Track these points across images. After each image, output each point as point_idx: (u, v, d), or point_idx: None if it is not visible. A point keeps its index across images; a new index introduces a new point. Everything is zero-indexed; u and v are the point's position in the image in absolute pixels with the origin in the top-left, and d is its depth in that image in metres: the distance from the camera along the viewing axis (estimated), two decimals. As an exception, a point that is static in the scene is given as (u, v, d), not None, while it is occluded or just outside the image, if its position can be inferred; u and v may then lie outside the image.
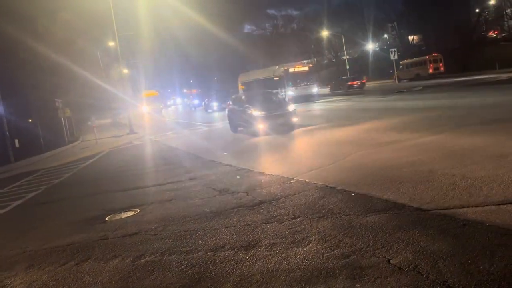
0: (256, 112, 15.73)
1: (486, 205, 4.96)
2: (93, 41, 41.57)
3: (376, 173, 7.38)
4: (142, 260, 5.03)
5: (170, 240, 5.60)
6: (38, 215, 9.14)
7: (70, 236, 6.68)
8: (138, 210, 7.62)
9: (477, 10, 53.85)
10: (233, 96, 21.38)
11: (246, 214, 6.21)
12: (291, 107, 16.28)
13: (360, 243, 4.44)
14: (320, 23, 64.71)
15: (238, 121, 17.65)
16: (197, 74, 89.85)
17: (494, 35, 55.36)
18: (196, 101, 60.10)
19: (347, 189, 6.63)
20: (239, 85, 43.13)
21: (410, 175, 6.82)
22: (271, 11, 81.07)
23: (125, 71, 42.83)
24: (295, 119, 16.06)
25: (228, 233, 5.47)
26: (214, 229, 5.75)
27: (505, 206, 4.85)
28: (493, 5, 52.99)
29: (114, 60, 36.41)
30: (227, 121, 19.59)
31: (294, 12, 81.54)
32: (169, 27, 48.55)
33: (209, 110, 43.97)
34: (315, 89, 37.63)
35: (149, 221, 6.80)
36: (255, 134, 16.10)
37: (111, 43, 34.65)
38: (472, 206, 5.00)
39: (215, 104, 42.84)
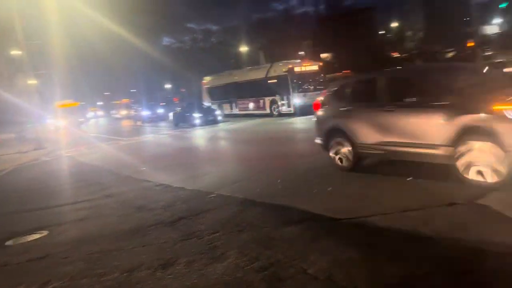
0: None
1: (392, 213, 5.35)
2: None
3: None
4: (49, 287, 4.65)
5: (82, 263, 5.25)
6: None
7: (-35, 265, 5.97)
8: (47, 232, 7.04)
9: (383, 32, 58.70)
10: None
11: (165, 231, 6.05)
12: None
13: (278, 254, 4.54)
14: (239, 38, 65.93)
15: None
16: (120, 84, 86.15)
17: (397, 55, 60.69)
18: (145, 112, 46.16)
19: (266, 201, 6.77)
20: (204, 89, 36.88)
21: (324, 187, 7.15)
22: (190, 25, 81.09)
23: (33, 81, 39.77)
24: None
25: (145, 252, 5.27)
26: (131, 248, 5.52)
27: (408, 213, 5.28)
28: (396, 28, 58.08)
29: (19, 70, 33.64)
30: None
31: (214, 27, 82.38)
32: (87, 37, 46.14)
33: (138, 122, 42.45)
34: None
35: (58, 243, 6.33)
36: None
37: (14, 52, 32.03)
38: (380, 214, 5.36)
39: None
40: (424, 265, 3.82)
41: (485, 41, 40.19)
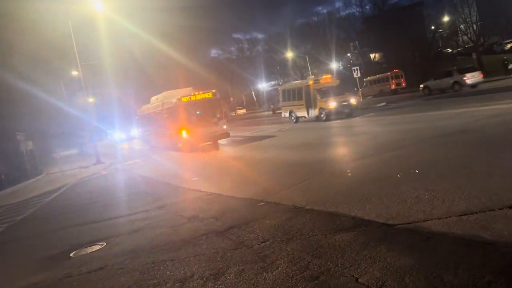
0: None
1: (449, 217, 5.08)
2: (57, 69, 40.64)
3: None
4: (108, 297, 4.84)
5: (137, 273, 5.42)
6: (-1, 255, 8.70)
7: (33, 276, 6.37)
8: (105, 244, 7.37)
9: (433, 27, 56.38)
10: None
11: (215, 240, 6.12)
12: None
13: (328, 263, 4.44)
14: (284, 45, 66.07)
15: None
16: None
17: (450, 50, 58.03)
18: None
19: (315, 208, 6.66)
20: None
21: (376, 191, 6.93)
22: (236, 36, 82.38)
23: (91, 99, 42.08)
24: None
25: (197, 262, 5.36)
26: (183, 258, 5.62)
27: (466, 216, 4.98)
28: (447, 22, 55.63)
29: (78, 89, 35.69)
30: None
31: (259, 36, 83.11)
32: (134, 56, 48.08)
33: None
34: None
35: (116, 254, 6.59)
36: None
37: (75, 72, 34.08)
38: (435, 219, 5.10)
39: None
40: (485, 273, 3.58)
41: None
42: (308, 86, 26.17)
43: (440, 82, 30.74)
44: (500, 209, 4.99)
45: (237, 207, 8.03)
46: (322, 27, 71.10)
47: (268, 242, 5.51)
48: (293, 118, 28.23)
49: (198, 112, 21.58)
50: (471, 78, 28.95)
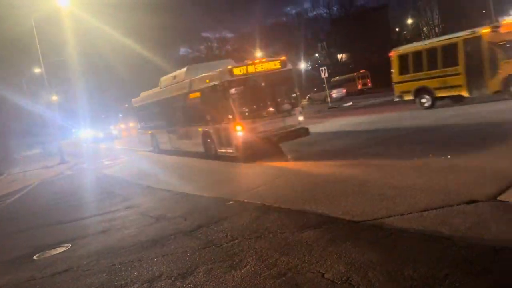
0: None
1: (410, 213, 5.28)
2: (19, 66, 39.14)
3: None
4: (73, 299, 4.76)
5: (104, 274, 5.35)
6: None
7: (-6, 280, 6.16)
8: (70, 245, 7.20)
9: (397, 29, 58.01)
10: None
11: (184, 240, 6.11)
12: None
13: (296, 260, 4.54)
14: (253, 44, 66.18)
15: None
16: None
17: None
18: None
19: (283, 207, 6.77)
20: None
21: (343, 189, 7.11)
22: (206, 34, 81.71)
23: (54, 97, 40.81)
24: None
25: (165, 262, 5.34)
26: (151, 258, 5.59)
27: (426, 212, 5.20)
28: (411, 24, 57.34)
29: (41, 87, 34.50)
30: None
31: (229, 35, 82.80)
32: (103, 54, 46.89)
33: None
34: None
35: (81, 256, 6.46)
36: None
37: (37, 70, 32.96)
38: (397, 215, 5.30)
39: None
40: (443, 267, 3.76)
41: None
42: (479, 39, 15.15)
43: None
44: (458, 204, 5.24)
45: (206, 206, 8.04)
46: (291, 27, 71.73)
47: (236, 241, 5.55)
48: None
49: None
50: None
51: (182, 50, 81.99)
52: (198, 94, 14.22)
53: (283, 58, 13.53)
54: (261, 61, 13.06)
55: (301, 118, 13.28)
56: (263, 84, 12.87)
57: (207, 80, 13.22)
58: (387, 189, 6.55)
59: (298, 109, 13.41)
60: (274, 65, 13.13)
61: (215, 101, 12.96)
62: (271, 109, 12.92)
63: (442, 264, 3.80)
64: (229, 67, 12.58)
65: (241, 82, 12.47)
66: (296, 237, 5.23)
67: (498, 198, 5.28)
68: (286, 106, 13.18)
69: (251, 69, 12.66)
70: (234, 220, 6.61)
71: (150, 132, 21.00)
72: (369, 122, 16.88)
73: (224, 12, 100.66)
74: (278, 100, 13.29)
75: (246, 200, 7.73)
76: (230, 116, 12.30)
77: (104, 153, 29.37)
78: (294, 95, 13.56)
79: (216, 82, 12.65)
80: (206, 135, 14.29)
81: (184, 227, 6.81)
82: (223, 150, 13.35)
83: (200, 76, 14.04)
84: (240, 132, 12.17)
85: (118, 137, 46.68)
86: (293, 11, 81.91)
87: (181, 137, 16.88)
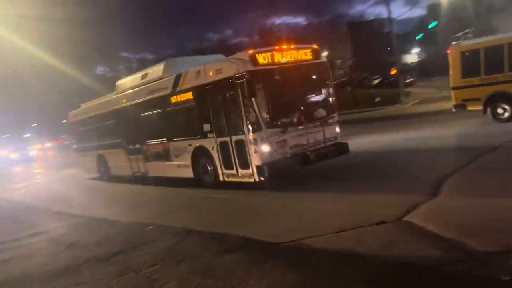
0: None
1: (327, 234, 5.53)
2: None
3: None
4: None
5: (6, 309, 4.86)
6: None
7: None
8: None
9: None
10: None
11: (100, 267, 5.78)
12: None
13: (218, 282, 4.52)
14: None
15: None
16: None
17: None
18: None
19: (205, 230, 6.71)
20: None
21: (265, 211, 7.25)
22: (125, 54, 79.58)
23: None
24: None
25: (78, 291, 5.00)
26: (62, 288, 5.20)
27: (343, 233, 5.48)
28: (325, 56, 61.19)
29: None
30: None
31: (150, 56, 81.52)
32: (14, 67, 43.18)
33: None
34: None
35: (-22, 289, 5.81)
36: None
37: None
38: (316, 236, 5.52)
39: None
40: (360, 284, 3.98)
41: (406, 69, 43.63)
42: None
43: None
44: (369, 225, 5.60)
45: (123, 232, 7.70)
46: (212, 53, 72.67)
47: (157, 266, 5.38)
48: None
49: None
50: None
51: (100, 69, 78.88)
52: (189, 94, 10.32)
53: (315, 46, 10.13)
54: (289, 48, 9.57)
55: (338, 129, 10.09)
56: (293, 79, 9.46)
57: (211, 73, 9.49)
58: (305, 211, 6.79)
59: (335, 116, 10.12)
60: (305, 54, 9.82)
61: (223, 103, 9.50)
62: (306, 114, 9.52)
63: (359, 282, 4.02)
64: (250, 51, 8.90)
65: (266, 75, 9.00)
66: (219, 260, 5.22)
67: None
68: (322, 112, 9.84)
69: (277, 57, 9.24)
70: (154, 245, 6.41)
71: (96, 153, 15.67)
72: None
73: (144, 34, 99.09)
74: (312, 102, 10.10)
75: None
76: (249, 124, 8.70)
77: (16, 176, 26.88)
78: (330, 97, 10.22)
79: (229, 74, 8.95)
80: (200, 153, 10.25)
81: (100, 253, 6.44)
82: (231, 173, 9.46)
83: (197, 68, 10.03)
84: (265, 146, 8.71)
85: (34, 159, 42.31)
86: (216, 37, 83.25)
87: (156, 157, 12.16)
